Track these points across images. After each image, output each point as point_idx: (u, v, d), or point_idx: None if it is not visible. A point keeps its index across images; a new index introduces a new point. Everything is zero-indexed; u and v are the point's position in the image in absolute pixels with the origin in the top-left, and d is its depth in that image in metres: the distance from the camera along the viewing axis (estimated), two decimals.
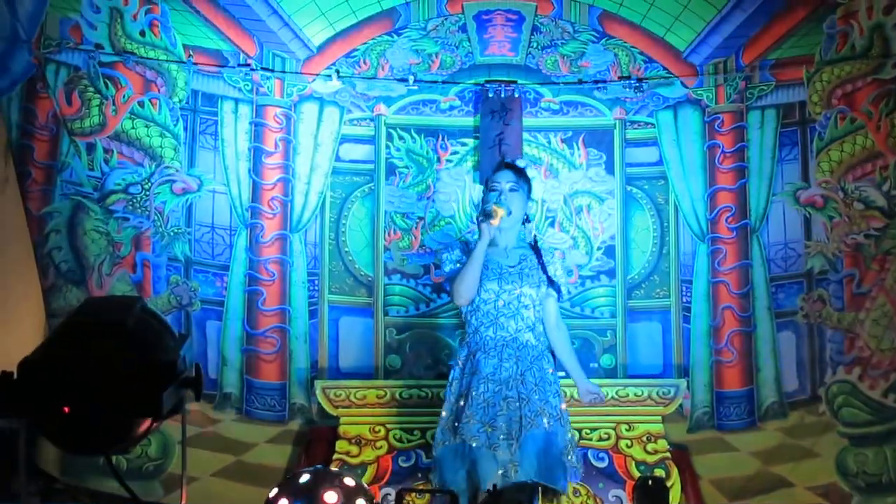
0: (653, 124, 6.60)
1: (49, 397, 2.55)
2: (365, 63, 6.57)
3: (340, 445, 6.16)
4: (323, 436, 6.23)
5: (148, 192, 6.23)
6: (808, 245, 6.36)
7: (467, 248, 5.11)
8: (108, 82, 6.17)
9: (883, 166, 6.24)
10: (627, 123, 6.62)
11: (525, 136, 6.50)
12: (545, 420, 4.90)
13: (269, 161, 6.45)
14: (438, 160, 6.58)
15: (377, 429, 6.19)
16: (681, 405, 6.28)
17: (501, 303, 5.05)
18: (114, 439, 2.66)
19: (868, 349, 6.19)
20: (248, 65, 6.41)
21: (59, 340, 2.64)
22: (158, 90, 6.27)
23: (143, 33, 6.23)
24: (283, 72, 6.49)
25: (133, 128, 6.23)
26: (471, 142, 6.59)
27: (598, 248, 6.55)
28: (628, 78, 6.55)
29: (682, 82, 6.57)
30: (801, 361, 6.33)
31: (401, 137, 6.59)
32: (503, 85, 6.54)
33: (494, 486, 4.33)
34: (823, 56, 6.35)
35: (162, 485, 6.05)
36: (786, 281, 6.40)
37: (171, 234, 6.26)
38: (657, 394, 6.22)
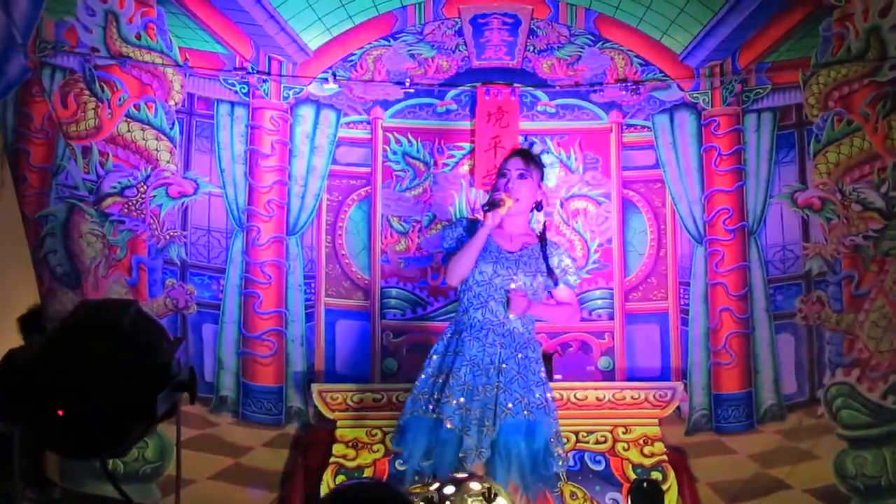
0: (649, 127, 6.60)
1: (43, 400, 2.54)
2: (361, 67, 6.57)
3: (337, 449, 6.14)
4: (320, 439, 6.22)
5: (144, 196, 6.22)
6: (806, 247, 6.35)
7: (472, 227, 5.08)
8: (103, 86, 6.16)
9: (881, 168, 6.23)
10: (624, 127, 6.61)
11: (521, 139, 6.49)
12: (524, 409, 4.87)
13: (266, 164, 6.44)
14: (435, 164, 6.58)
15: (374, 432, 6.18)
16: (679, 408, 6.27)
17: (493, 286, 5.01)
18: (108, 443, 2.64)
19: (867, 351, 6.18)
20: (245, 68, 6.41)
21: (54, 343, 2.62)
22: (154, 93, 6.26)
23: (138, 36, 6.22)
24: (280, 75, 6.49)
25: (129, 131, 6.22)
26: (467, 145, 6.59)
27: (595, 252, 6.55)
28: (624, 81, 6.55)
29: (678, 85, 6.57)
30: (799, 363, 6.32)
31: (397, 141, 6.59)
32: (500, 88, 6.54)
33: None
34: (820, 59, 6.35)
35: (159, 487, 6.04)
36: (784, 283, 6.39)
37: (167, 237, 6.25)
38: (654, 396, 6.21)
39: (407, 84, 6.54)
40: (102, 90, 6.16)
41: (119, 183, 6.19)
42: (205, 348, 6.27)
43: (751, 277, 6.40)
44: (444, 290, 6.42)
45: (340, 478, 6.06)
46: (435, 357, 5.06)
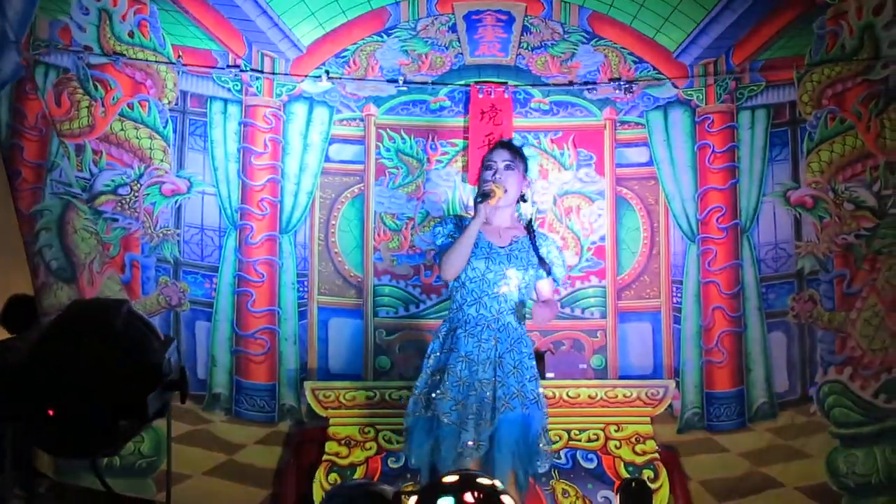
0: (643, 125, 6.60)
1: (33, 399, 2.54)
2: (355, 63, 6.56)
3: (330, 447, 6.15)
4: (312, 437, 6.23)
5: (137, 194, 6.22)
6: (798, 245, 6.36)
7: (461, 223, 5.09)
8: (97, 84, 6.16)
9: (873, 166, 6.24)
10: (618, 124, 6.61)
11: (515, 136, 6.49)
12: (521, 403, 4.89)
13: (259, 162, 6.44)
14: (428, 161, 6.58)
15: (367, 430, 6.18)
16: (671, 406, 6.28)
17: (486, 282, 5.01)
18: (98, 443, 2.65)
19: (859, 349, 6.19)
20: (238, 66, 6.41)
21: (45, 342, 2.62)
22: (147, 91, 6.26)
23: (131, 34, 6.22)
24: (273, 73, 6.48)
25: (122, 129, 6.22)
26: (460, 142, 6.59)
27: (589, 249, 6.55)
28: (618, 79, 6.55)
29: (672, 83, 6.57)
30: (791, 362, 6.33)
31: (391, 138, 6.58)
32: (493, 86, 6.54)
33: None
34: (813, 56, 6.35)
35: (154, 482, 6.04)
36: (776, 281, 6.40)
37: (161, 235, 6.25)
38: (646, 395, 6.22)
39: (400, 82, 6.54)
40: (96, 88, 6.16)
41: (112, 181, 6.19)
42: (198, 346, 6.28)
43: (743, 276, 6.41)
44: (437, 287, 6.42)
45: (333, 475, 6.07)
46: (432, 356, 5.07)
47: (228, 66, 6.40)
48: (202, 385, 6.24)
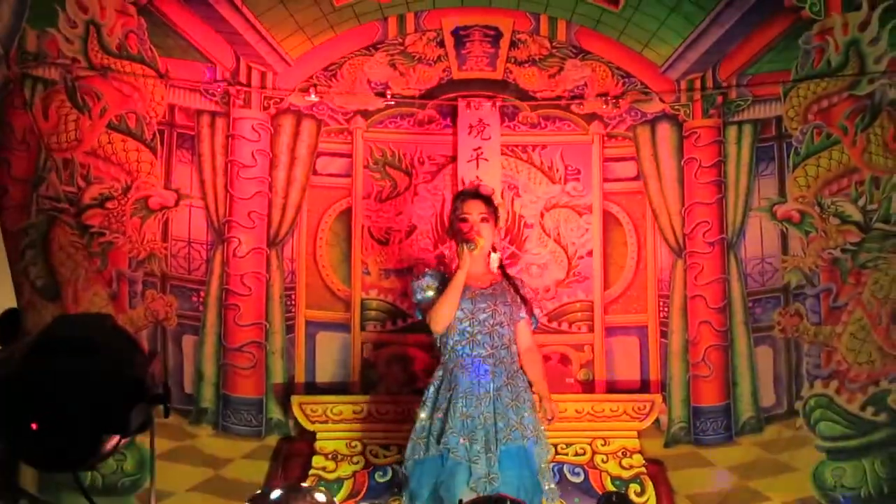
0: (630, 139, 6.61)
1: (17, 413, 2.54)
2: (342, 76, 6.57)
3: (317, 461, 6.14)
4: (299, 451, 6.22)
5: (124, 207, 6.20)
6: (784, 260, 6.38)
7: (440, 277, 5.22)
8: (84, 97, 6.14)
9: (859, 181, 6.27)
10: (605, 138, 6.62)
11: (503, 150, 6.50)
12: (521, 435, 4.97)
13: (246, 175, 6.43)
14: (416, 175, 6.58)
15: (353, 444, 6.18)
16: (658, 420, 6.29)
17: (477, 321, 5.13)
18: (82, 456, 2.65)
19: (845, 363, 6.21)
20: (226, 79, 6.41)
21: (29, 357, 2.63)
22: (135, 105, 6.24)
23: (119, 47, 6.21)
24: (263, 87, 6.48)
25: (109, 142, 6.20)
26: (448, 157, 6.59)
27: (576, 263, 6.56)
28: (606, 94, 6.57)
29: (659, 97, 6.58)
30: (777, 376, 6.34)
31: (378, 151, 6.59)
32: (481, 100, 6.55)
33: (460, 500, 4.34)
34: (799, 72, 6.37)
35: (138, 500, 6.03)
36: (762, 296, 6.41)
37: (148, 249, 6.24)
38: (633, 409, 6.23)
39: (388, 96, 6.54)
40: (83, 102, 6.14)
41: (100, 195, 6.17)
42: (185, 360, 6.27)
43: (730, 290, 6.42)
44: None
45: (320, 489, 6.05)
46: (428, 401, 5.17)
47: (216, 80, 6.40)
48: (189, 399, 6.23)
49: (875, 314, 6.19)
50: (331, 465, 6.14)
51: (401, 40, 6.58)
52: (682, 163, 6.55)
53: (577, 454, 6.18)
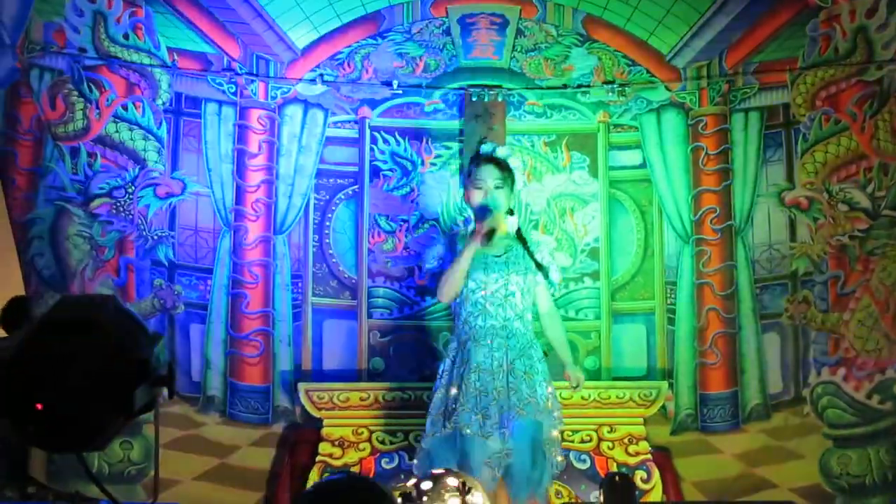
0: (637, 127, 6.60)
1: (21, 395, 2.55)
2: (349, 66, 6.57)
3: (324, 448, 6.15)
4: (306, 438, 6.22)
5: (132, 196, 6.22)
6: (792, 246, 6.36)
7: (451, 242, 5.15)
8: (91, 86, 6.16)
9: (867, 168, 6.25)
10: (611, 127, 6.62)
11: (509, 139, 6.50)
12: (534, 409, 4.93)
13: (253, 163, 6.44)
14: (422, 163, 6.58)
15: (360, 431, 6.18)
16: (664, 407, 6.28)
17: (489, 292, 5.08)
18: (86, 437, 2.66)
19: (853, 350, 6.20)
20: (233, 69, 6.42)
21: (32, 338, 2.63)
22: (142, 93, 6.26)
23: (126, 36, 6.23)
24: (268, 77, 6.49)
25: (117, 131, 6.22)
26: (455, 145, 6.60)
27: (582, 251, 6.55)
28: (612, 82, 6.56)
29: (665, 86, 6.58)
30: (785, 363, 6.33)
31: (385, 140, 6.59)
32: (487, 88, 6.55)
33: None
34: (807, 59, 6.37)
35: (144, 489, 6.03)
36: (770, 282, 6.40)
37: (155, 237, 6.25)
38: (639, 396, 6.22)
39: (395, 86, 6.54)
40: (90, 91, 6.16)
41: (107, 184, 6.19)
42: (192, 348, 6.28)
43: (737, 277, 6.41)
44: (431, 289, 6.42)
45: (327, 476, 6.07)
46: (445, 375, 5.15)
47: (223, 69, 6.41)
48: (196, 387, 6.25)
49: (883, 301, 6.18)
50: (337, 451, 6.15)
51: (407, 28, 6.58)
52: (689, 150, 6.54)
53: (583, 441, 6.17)
